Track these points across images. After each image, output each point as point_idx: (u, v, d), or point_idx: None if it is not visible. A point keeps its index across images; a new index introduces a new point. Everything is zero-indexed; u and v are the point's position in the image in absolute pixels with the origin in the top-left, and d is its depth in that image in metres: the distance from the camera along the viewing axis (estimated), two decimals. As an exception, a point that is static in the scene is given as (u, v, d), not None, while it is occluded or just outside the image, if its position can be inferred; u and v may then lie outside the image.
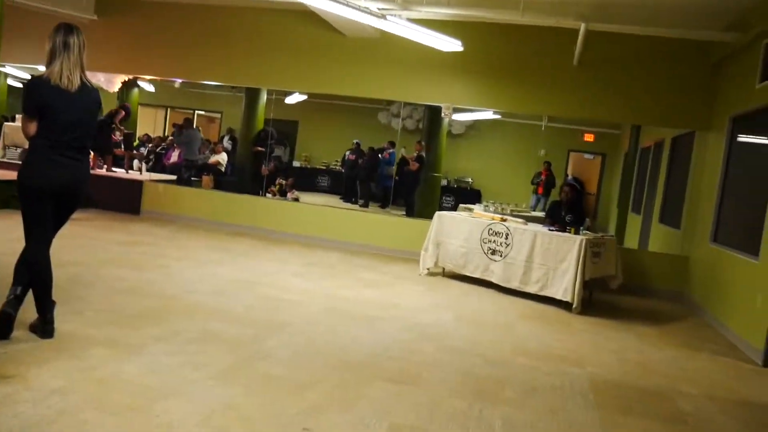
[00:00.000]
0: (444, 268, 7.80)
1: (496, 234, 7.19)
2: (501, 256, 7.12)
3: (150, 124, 17.20)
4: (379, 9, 6.50)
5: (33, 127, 3.65)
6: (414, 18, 7.08)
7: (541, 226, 7.51)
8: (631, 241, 11.80)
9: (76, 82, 3.70)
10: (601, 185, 16.87)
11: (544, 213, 9.75)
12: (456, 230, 7.54)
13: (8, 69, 13.31)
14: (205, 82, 11.60)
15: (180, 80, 12.21)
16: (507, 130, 15.56)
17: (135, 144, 14.12)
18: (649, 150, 12.36)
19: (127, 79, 12.40)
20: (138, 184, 10.13)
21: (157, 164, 13.41)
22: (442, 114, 9.28)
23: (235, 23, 9.64)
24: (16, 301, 3.72)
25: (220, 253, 7.64)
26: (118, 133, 11.83)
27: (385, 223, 9.41)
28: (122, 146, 12.36)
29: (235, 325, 4.67)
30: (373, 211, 11.21)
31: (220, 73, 10.00)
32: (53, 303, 3.83)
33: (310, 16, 8.70)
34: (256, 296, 5.68)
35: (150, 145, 14.26)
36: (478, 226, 7.36)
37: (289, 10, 9.14)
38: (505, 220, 7.32)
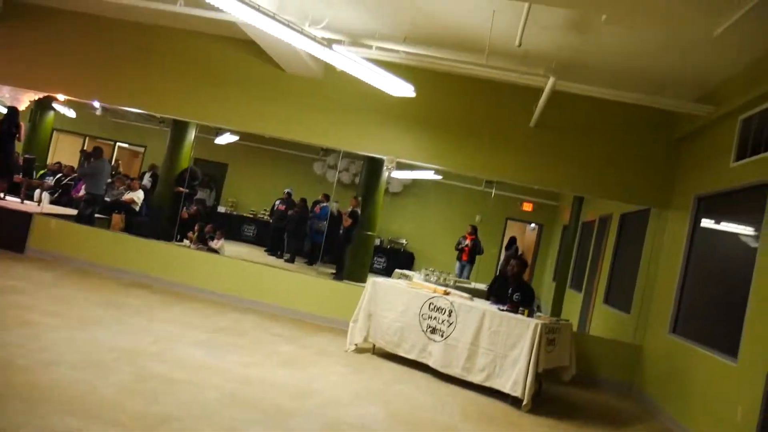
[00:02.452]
0: (374, 345, 6.74)
1: (437, 310, 6.23)
2: (442, 336, 6.13)
3: (66, 152, 15.69)
4: (324, 38, 5.63)
5: None
6: (364, 56, 6.23)
7: (488, 303, 6.61)
8: (570, 320, 11.12)
9: None
10: (537, 257, 16.38)
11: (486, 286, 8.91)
12: (392, 301, 6.52)
13: None
14: (130, 110, 10.34)
15: (98, 104, 10.91)
16: (446, 193, 14.87)
17: (41, 173, 12.60)
18: (592, 224, 11.89)
19: (37, 98, 11.04)
20: (26, 217, 8.63)
21: (64, 196, 11.93)
22: (385, 167, 8.38)
23: (164, 46, 8.56)
24: None
25: (107, 309, 6.31)
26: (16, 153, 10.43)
27: (313, 286, 8.27)
28: (20, 173, 10.89)
29: (96, 422, 3.45)
30: (300, 270, 10.11)
31: (141, 100, 8.76)
32: None
33: (248, 45, 7.76)
34: (137, 374, 4.45)
35: (60, 174, 12.74)
36: (417, 298, 6.37)
37: (225, 37, 8.19)
38: (448, 294, 6.38)
